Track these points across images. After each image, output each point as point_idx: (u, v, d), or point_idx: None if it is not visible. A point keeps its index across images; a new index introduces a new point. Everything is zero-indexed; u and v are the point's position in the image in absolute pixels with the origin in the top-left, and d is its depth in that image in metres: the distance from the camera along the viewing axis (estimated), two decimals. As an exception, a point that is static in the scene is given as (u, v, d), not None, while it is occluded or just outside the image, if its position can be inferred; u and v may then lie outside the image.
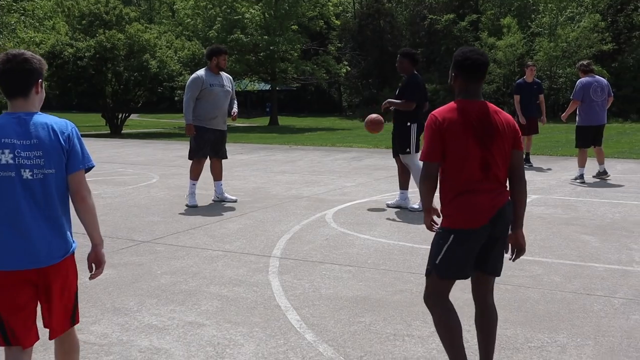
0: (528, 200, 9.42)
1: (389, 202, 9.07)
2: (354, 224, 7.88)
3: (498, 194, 3.35)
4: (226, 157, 9.66)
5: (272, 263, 6.10)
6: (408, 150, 8.52)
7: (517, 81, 13.50)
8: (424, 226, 7.61)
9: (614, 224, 7.82)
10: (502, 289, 5.24)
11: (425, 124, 3.40)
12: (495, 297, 5.01)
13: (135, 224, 7.96)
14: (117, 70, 29.22)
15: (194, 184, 9.25)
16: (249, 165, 14.84)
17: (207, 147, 9.25)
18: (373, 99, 47.27)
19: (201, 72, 9.17)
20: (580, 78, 11.36)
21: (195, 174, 9.25)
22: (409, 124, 8.49)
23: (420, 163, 3.72)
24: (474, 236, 3.31)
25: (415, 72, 8.64)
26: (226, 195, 9.60)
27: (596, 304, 4.91)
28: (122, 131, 31.71)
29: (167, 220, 8.22)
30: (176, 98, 31.98)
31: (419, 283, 5.42)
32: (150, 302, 5.02)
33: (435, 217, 3.63)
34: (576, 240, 6.98)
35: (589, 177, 11.39)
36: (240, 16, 40.86)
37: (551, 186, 10.89)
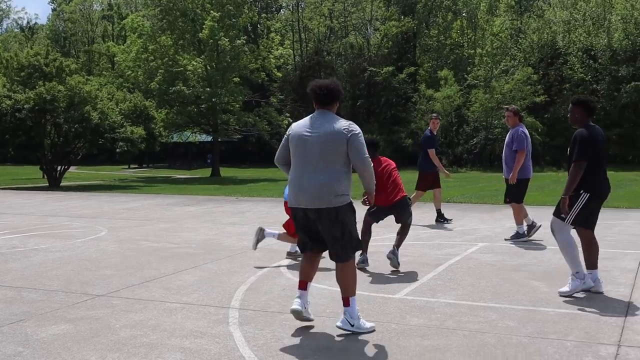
0: (475, 248, 9.70)
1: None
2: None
3: None
4: None
5: (231, 314, 6.12)
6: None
7: (427, 134, 12.88)
8: (378, 274, 7.75)
9: (559, 269, 8.10)
10: (460, 334, 5.38)
11: None
12: (453, 343, 5.17)
13: (88, 278, 7.88)
14: (57, 122, 28.89)
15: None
16: (197, 217, 14.80)
17: None
18: (315, 149, 47.64)
19: None
20: (516, 125, 10.27)
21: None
22: None
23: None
24: None
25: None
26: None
27: (550, 347, 5.10)
28: (61, 184, 31.18)
29: (121, 273, 8.16)
30: (118, 150, 31.69)
31: (379, 331, 5.53)
32: (112, 356, 4.98)
33: None
34: (526, 285, 7.21)
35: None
36: (182, 68, 41.03)
37: (497, 234, 11.19)
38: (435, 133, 12.89)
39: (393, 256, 8.14)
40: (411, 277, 7.73)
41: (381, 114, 49.88)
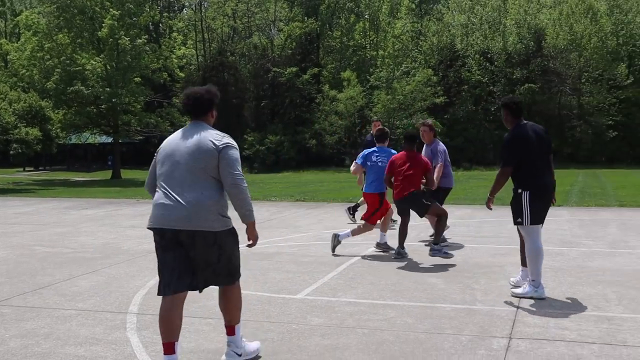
0: (374, 250, 9.84)
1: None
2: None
3: None
4: None
5: (129, 319, 5.98)
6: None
7: (367, 137, 12.92)
8: (280, 276, 7.75)
9: (457, 266, 8.34)
10: (359, 332, 5.45)
11: None
12: (353, 342, 5.23)
13: (-23, 286, 7.52)
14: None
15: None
16: (95, 220, 14.40)
17: None
18: (218, 150, 47.29)
19: None
20: (432, 141, 10.20)
21: None
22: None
23: None
24: None
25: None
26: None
27: (446, 342, 5.23)
28: (-49, 187, 29.73)
29: (12, 280, 7.83)
30: (12, 152, 30.47)
31: (280, 332, 5.53)
32: (1, 367, 4.78)
33: None
34: (424, 283, 7.37)
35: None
36: (81, 67, 39.80)
37: (397, 233, 11.38)
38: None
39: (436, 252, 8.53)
40: (313, 277, 7.77)
41: (285, 115, 49.94)
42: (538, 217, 6.62)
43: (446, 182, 10.23)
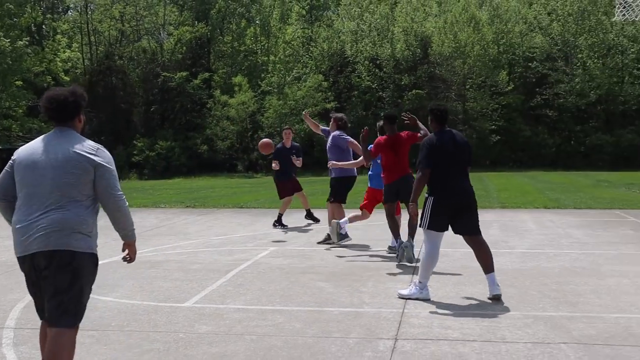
0: (266, 252, 9.84)
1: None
2: (94, 286, 7.61)
3: None
4: None
5: (5, 334, 5.70)
6: None
7: (277, 146, 13.04)
8: (167, 284, 7.59)
9: (345, 269, 8.44)
10: (248, 339, 5.41)
11: None
12: (241, 348, 5.19)
13: None
14: None
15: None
16: (-29, 231, 13.65)
17: None
18: (107, 156, 46.03)
19: None
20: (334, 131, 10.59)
21: None
22: None
23: None
24: None
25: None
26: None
27: (333, 345, 5.27)
28: None
29: None
30: None
31: (166, 341, 5.42)
32: None
33: None
34: (313, 287, 7.41)
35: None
36: (-45, 70, 37.89)
37: (288, 237, 11.44)
38: (287, 145, 12.94)
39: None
40: (201, 284, 7.66)
41: (176, 120, 49.12)
42: (438, 224, 6.70)
43: (348, 171, 10.43)
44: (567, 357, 4.94)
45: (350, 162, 10.14)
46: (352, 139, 10.43)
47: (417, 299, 6.69)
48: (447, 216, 6.71)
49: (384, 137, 8.96)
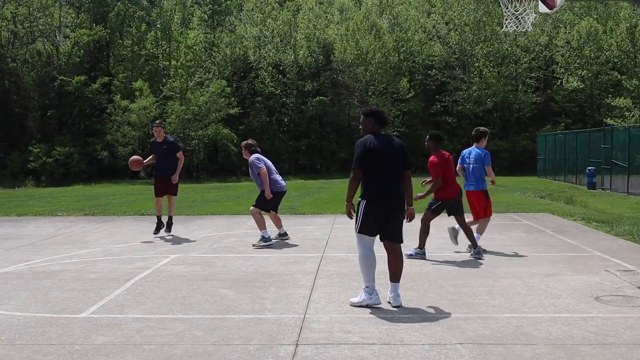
0: (167, 260, 9.68)
1: None
2: (-16, 299, 7.31)
3: None
4: None
5: None
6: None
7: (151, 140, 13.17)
8: (63, 295, 7.35)
9: (247, 276, 8.41)
10: (147, 349, 5.32)
11: None
12: (139, 359, 5.08)
13: None
14: None
15: None
16: None
17: None
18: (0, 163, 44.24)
19: None
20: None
21: None
22: None
23: None
24: None
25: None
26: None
27: (234, 352, 5.25)
28: None
29: None
30: None
31: (60, 354, 5.26)
32: None
33: None
34: (214, 294, 7.35)
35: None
36: None
37: (190, 244, 11.28)
38: (158, 140, 12.73)
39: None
40: (99, 294, 7.46)
41: (74, 125, 47.61)
42: (369, 228, 6.74)
43: (277, 187, 11.48)
44: (462, 357, 5.10)
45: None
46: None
47: (367, 305, 6.67)
48: (378, 220, 6.75)
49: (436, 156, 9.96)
